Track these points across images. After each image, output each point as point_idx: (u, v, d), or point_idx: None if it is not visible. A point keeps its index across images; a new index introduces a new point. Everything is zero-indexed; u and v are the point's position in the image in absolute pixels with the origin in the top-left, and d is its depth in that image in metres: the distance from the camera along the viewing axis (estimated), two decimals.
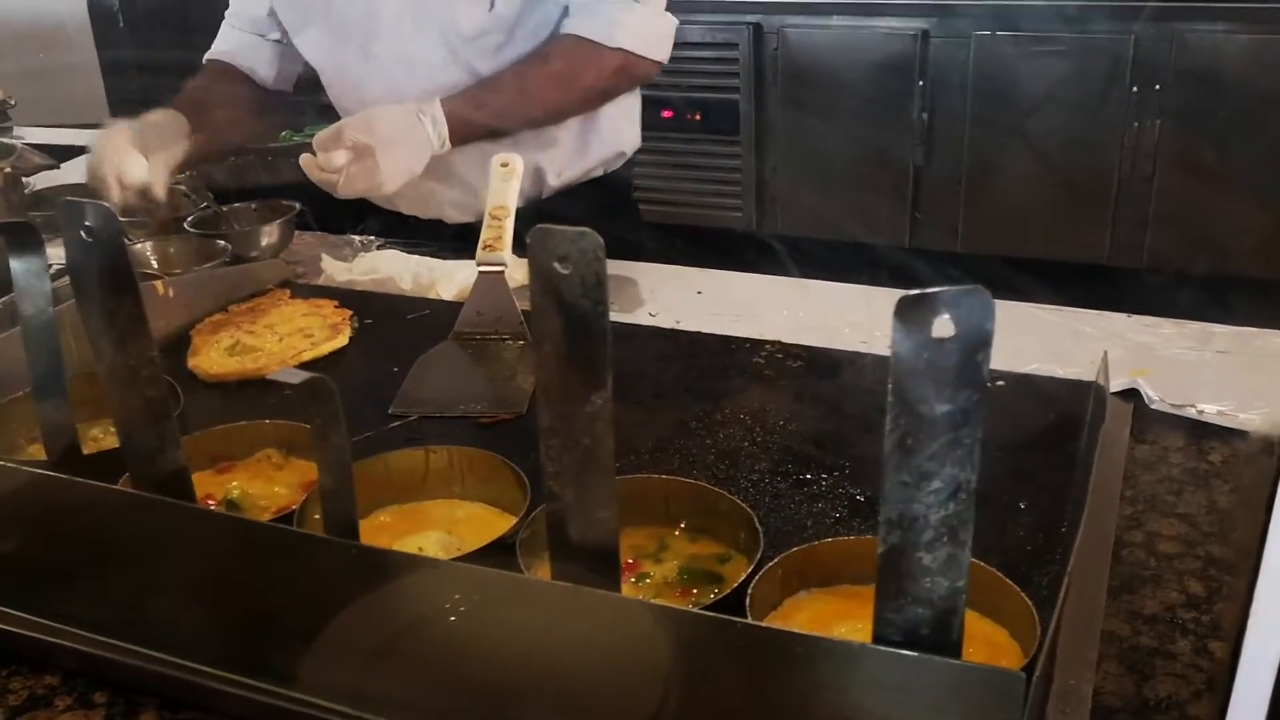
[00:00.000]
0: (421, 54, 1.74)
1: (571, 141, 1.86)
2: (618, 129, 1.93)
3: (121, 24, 4.16)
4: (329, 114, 1.88)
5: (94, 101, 4.33)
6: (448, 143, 1.64)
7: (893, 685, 0.65)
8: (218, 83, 1.90)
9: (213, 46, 1.94)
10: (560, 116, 1.80)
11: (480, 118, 1.68)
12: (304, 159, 1.58)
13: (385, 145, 1.56)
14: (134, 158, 1.62)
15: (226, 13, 1.93)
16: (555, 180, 1.86)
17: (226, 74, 1.91)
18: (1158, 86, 3.31)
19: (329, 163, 1.55)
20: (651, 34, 1.75)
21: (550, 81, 1.72)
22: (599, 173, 1.92)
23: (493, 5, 1.71)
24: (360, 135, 1.55)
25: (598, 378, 0.70)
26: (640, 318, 1.48)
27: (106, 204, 0.81)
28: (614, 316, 0.69)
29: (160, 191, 1.63)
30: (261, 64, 1.92)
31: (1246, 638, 0.62)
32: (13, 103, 2.68)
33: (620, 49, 1.71)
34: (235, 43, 1.92)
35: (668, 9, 1.78)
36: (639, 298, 1.57)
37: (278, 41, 1.91)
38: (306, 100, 2.03)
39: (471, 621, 0.76)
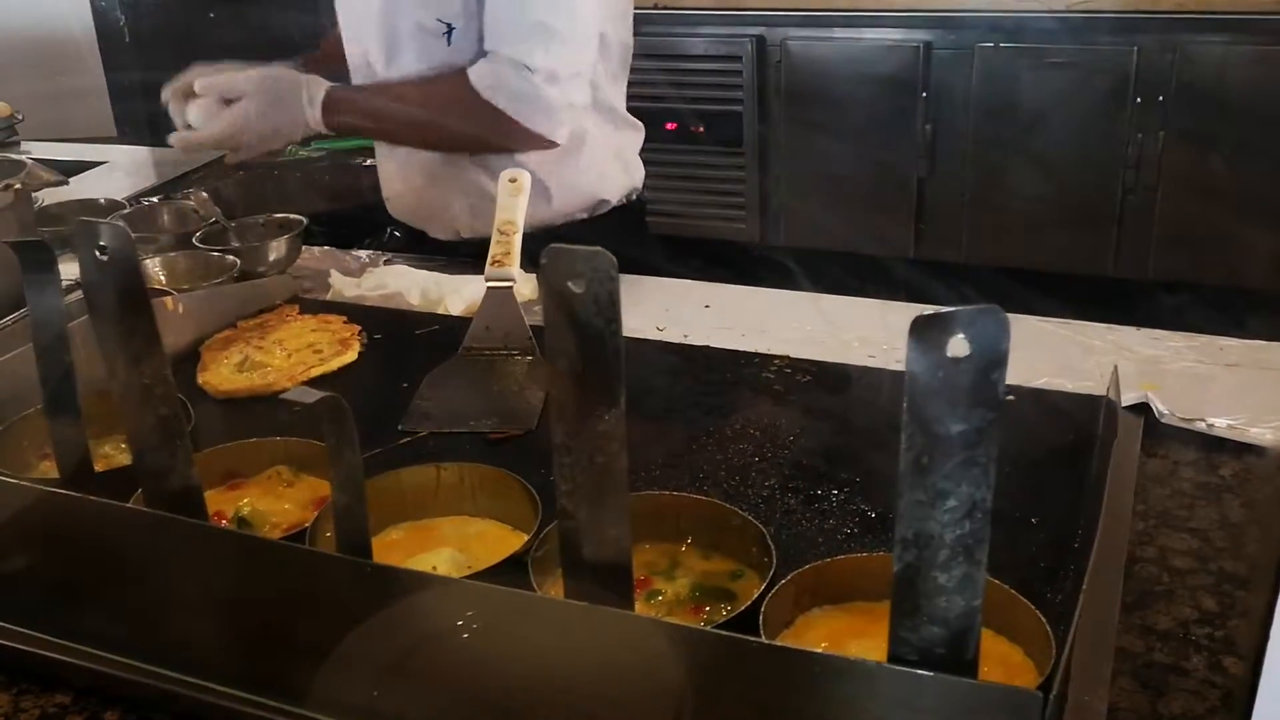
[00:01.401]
0: (406, 72, 1.78)
1: (539, 184, 1.77)
2: (603, 176, 1.88)
3: (128, 39, 4.18)
4: None
5: (101, 118, 4.34)
6: (319, 120, 1.69)
7: (909, 705, 0.65)
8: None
9: None
10: (434, 144, 1.80)
11: (356, 111, 1.74)
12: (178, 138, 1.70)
13: (262, 103, 1.65)
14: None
15: None
16: (536, 226, 1.78)
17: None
18: (1161, 98, 3.31)
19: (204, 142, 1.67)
20: (532, 105, 1.68)
21: (432, 100, 1.74)
22: (581, 216, 1.88)
23: (450, 42, 1.72)
24: (240, 86, 1.65)
25: (611, 396, 0.70)
26: (649, 332, 1.48)
27: (121, 224, 0.81)
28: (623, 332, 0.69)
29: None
30: None
31: (1267, 654, 0.61)
32: (20, 118, 2.68)
33: (493, 105, 1.68)
34: None
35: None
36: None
37: None
38: None
39: (484, 640, 0.76)
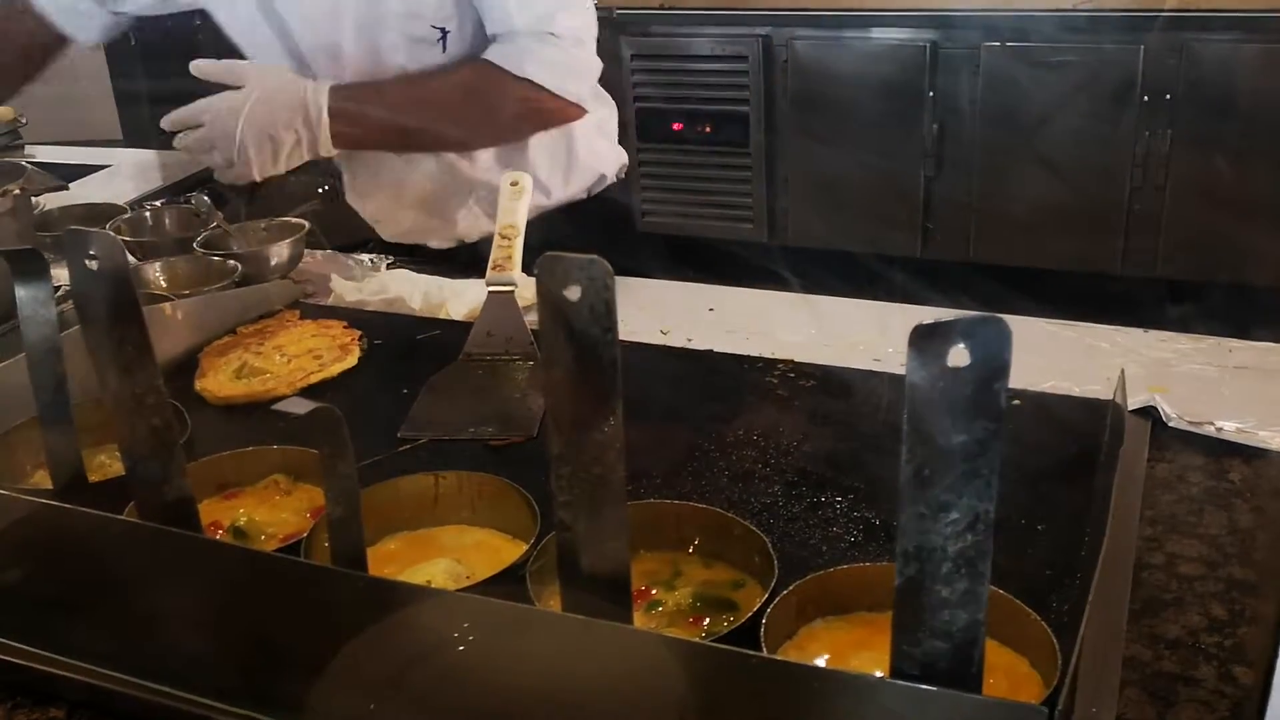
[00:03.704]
0: None
1: (547, 166, 1.82)
2: (596, 151, 1.89)
3: (134, 43, 4.18)
4: None
5: (106, 122, 4.34)
6: (329, 142, 1.63)
7: None
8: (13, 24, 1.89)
9: None
10: (467, 138, 1.75)
11: (375, 118, 1.66)
12: (178, 139, 1.63)
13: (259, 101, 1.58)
14: None
15: None
16: (539, 203, 1.82)
17: (27, 21, 1.90)
18: (1168, 96, 3.29)
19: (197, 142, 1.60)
20: (565, 69, 1.68)
21: (454, 92, 1.68)
22: (581, 197, 1.90)
23: (444, 48, 1.70)
24: (232, 78, 1.59)
25: (608, 406, 0.69)
26: (652, 336, 1.46)
27: (111, 232, 0.80)
28: (623, 335, 0.68)
29: None
30: (83, 29, 1.93)
31: (1279, 663, 0.60)
32: (24, 121, 2.68)
33: (527, 79, 1.65)
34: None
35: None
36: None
37: (113, 13, 1.92)
38: None
39: (480, 653, 0.75)
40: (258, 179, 1.64)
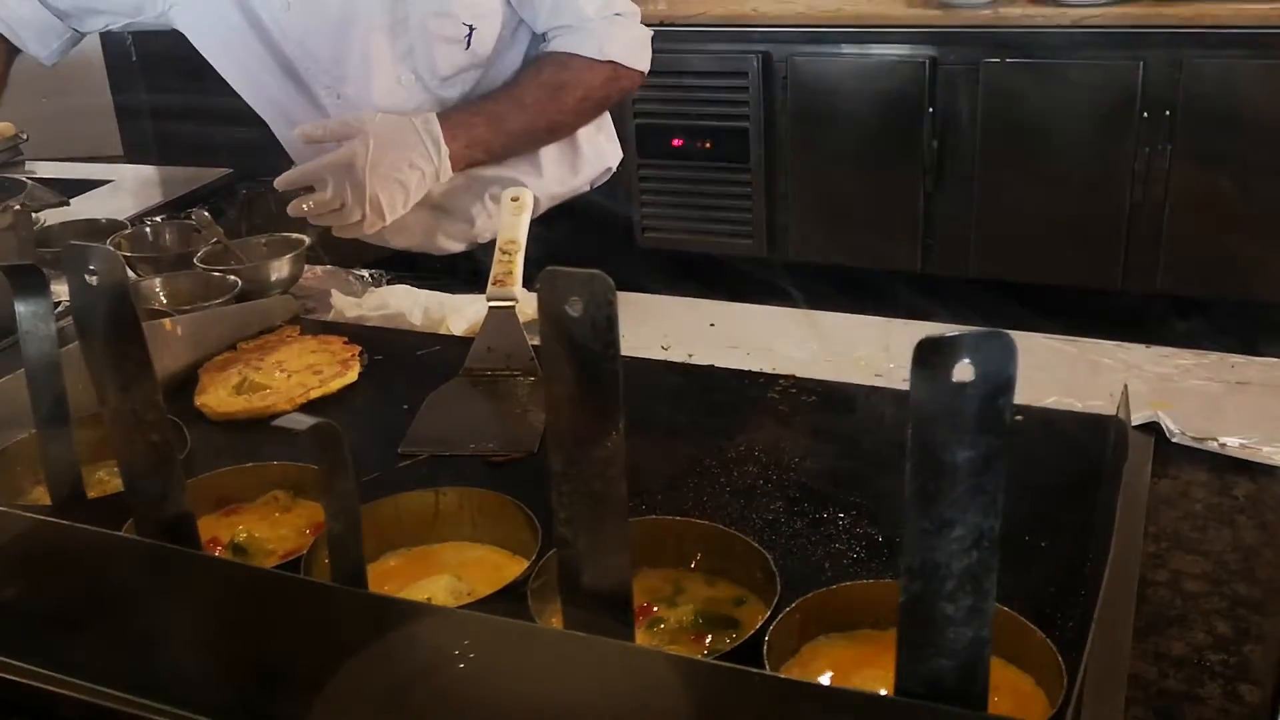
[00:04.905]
0: (395, 95, 1.74)
1: (556, 162, 1.88)
2: (598, 146, 1.95)
3: (134, 59, 4.19)
4: None
5: (107, 138, 4.35)
6: (449, 167, 1.65)
7: None
8: None
9: None
10: (558, 128, 1.81)
11: (481, 132, 1.69)
12: (294, 206, 1.61)
13: (383, 183, 1.59)
14: None
15: None
16: (546, 202, 1.87)
17: None
18: (1168, 112, 3.30)
19: (324, 204, 1.59)
20: (636, 44, 1.78)
21: (544, 91, 1.74)
22: (585, 189, 1.95)
23: (469, 44, 1.72)
24: (341, 131, 1.59)
25: (609, 422, 0.68)
26: (653, 351, 1.46)
27: (110, 247, 0.80)
28: (624, 351, 0.68)
29: None
30: (43, 45, 1.95)
31: None
32: (25, 137, 2.68)
33: (610, 61, 1.74)
34: (18, 15, 1.90)
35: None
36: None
37: (75, 30, 1.94)
38: None
39: (481, 671, 0.74)
40: (388, 222, 1.64)
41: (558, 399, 0.69)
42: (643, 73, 1.81)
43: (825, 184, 3.80)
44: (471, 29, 1.72)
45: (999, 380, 0.57)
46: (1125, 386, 1.13)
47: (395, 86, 1.74)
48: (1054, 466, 1.13)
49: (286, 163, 1.80)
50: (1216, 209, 3.31)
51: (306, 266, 1.75)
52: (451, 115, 1.69)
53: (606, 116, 1.97)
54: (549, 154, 1.86)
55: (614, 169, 1.99)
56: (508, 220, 1.50)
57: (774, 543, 1.02)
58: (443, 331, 1.54)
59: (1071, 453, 1.16)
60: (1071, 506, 1.05)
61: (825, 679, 0.81)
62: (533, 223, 1.55)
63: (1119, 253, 3.48)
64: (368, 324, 1.58)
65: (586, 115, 1.83)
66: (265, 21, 1.76)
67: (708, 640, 0.87)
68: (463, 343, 1.44)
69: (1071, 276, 3.53)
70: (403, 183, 1.62)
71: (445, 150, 1.65)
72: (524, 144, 1.80)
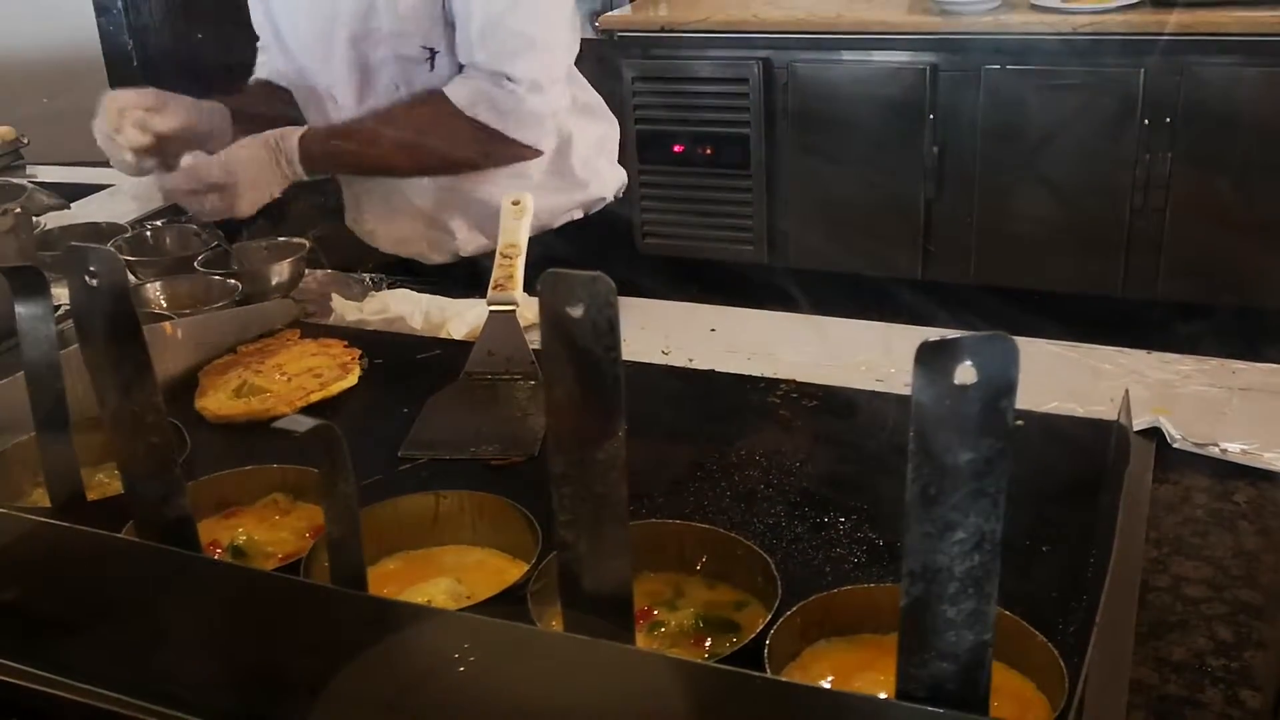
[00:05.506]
0: (383, 102, 1.76)
1: (545, 185, 1.81)
2: (596, 170, 1.89)
3: (135, 63, 4.19)
4: None
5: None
6: (300, 173, 1.68)
7: None
8: (268, 98, 1.91)
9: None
10: (416, 170, 1.77)
11: (337, 153, 1.71)
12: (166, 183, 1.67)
13: (245, 184, 1.63)
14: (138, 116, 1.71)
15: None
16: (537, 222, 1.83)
17: (274, 93, 1.92)
18: (1169, 119, 3.30)
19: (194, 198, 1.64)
20: (516, 118, 1.68)
21: (406, 130, 1.70)
22: (578, 215, 1.90)
23: (433, 67, 1.70)
24: (220, 177, 1.61)
25: (610, 424, 0.68)
26: (654, 356, 1.46)
27: (111, 249, 0.80)
28: (625, 355, 0.68)
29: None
30: None
31: None
32: (25, 141, 2.68)
33: (477, 122, 1.67)
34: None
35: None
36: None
37: None
38: None
39: (481, 674, 0.74)
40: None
41: (559, 401, 0.69)
42: (527, 146, 1.71)
43: (826, 190, 3.80)
44: (433, 52, 1.69)
45: (1001, 382, 0.57)
46: (1126, 392, 1.13)
47: (380, 94, 1.76)
48: (1055, 471, 1.13)
49: None
50: (1217, 215, 3.31)
51: (307, 270, 1.75)
52: (311, 143, 1.68)
53: (606, 138, 1.93)
54: (539, 180, 1.80)
55: (609, 198, 1.93)
56: (508, 224, 1.50)
57: (775, 546, 1.02)
58: (443, 335, 1.54)
59: (1073, 458, 1.15)
60: (1073, 511, 1.05)
61: (826, 683, 0.80)
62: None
63: (1120, 258, 3.47)
64: (368, 328, 1.58)
65: (456, 167, 1.76)
66: (276, 14, 1.79)
67: (708, 644, 0.87)
68: (463, 347, 1.44)
69: (1073, 282, 3.53)
70: (266, 198, 1.67)
71: (299, 167, 1.67)
72: (394, 170, 1.78)
